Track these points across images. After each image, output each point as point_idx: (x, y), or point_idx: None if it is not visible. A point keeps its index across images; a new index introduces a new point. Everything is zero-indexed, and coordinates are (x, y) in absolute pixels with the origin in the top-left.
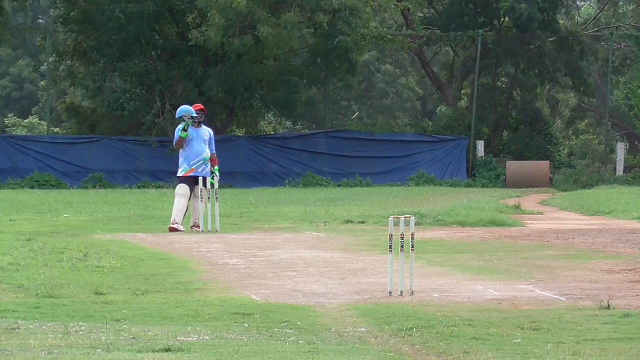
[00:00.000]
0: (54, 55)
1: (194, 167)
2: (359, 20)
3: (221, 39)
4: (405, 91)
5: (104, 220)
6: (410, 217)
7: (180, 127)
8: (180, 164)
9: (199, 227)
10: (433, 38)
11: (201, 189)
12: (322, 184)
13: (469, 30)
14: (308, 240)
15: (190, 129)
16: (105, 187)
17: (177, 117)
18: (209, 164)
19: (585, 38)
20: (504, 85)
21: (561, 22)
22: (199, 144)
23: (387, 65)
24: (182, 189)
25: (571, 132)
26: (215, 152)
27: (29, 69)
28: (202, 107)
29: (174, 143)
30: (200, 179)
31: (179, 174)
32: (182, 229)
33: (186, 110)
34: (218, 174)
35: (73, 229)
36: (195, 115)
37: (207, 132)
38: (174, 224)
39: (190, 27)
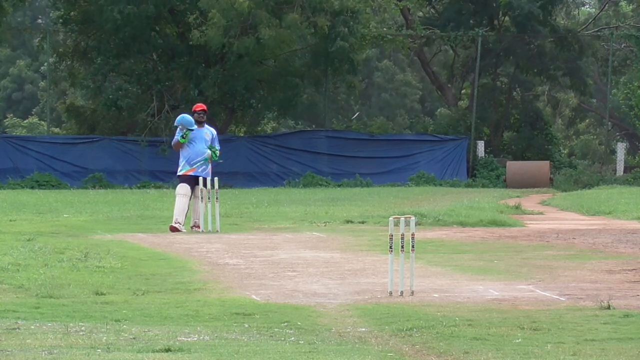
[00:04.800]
0: (54, 55)
1: (194, 166)
2: (358, 23)
3: (222, 39)
4: (403, 87)
5: (104, 220)
6: (410, 217)
7: (179, 133)
8: (180, 162)
9: (199, 227)
10: (433, 38)
11: (201, 189)
12: (322, 184)
13: (468, 29)
14: (308, 240)
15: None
16: (105, 187)
17: (175, 123)
18: (210, 164)
19: (584, 36)
20: (504, 85)
21: (561, 22)
22: (200, 144)
23: (386, 61)
24: (183, 189)
25: (571, 132)
26: (219, 147)
27: (28, 70)
28: (204, 107)
29: (173, 144)
30: (201, 179)
31: (178, 173)
32: (183, 230)
33: (185, 121)
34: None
35: (73, 229)
36: (193, 128)
37: (208, 132)
38: (175, 224)
39: (192, 27)
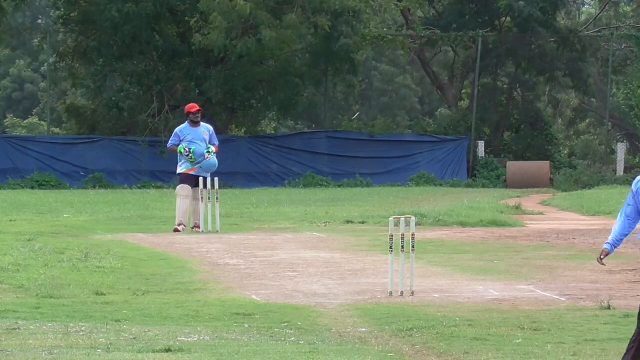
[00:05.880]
0: (54, 55)
1: (195, 166)
2: (360, 22)
3: (223, 41)
4: (402, 89)
5: (104, 220)
6: (410, 217)
7: (174, 138)
8: (180, 160)
9: (199, 227)
10: (433, 38)
11: (201, 190)
12: (322, 184)
13: (469, 30)
14: (308, 240)
15: (189, 129)
16: (105, 187)
17: (196, 160)
18: None
19: (585, 36)
20: (504, 85)
21: (561, 22)
22: (200, 144)
23: (384, 65)
24: (184, 190)
25: (572, 132)
26: (217, 143)
27: (27, 69)
28: (198, 107)
29: (168, 147)
30: (200, 179)
31: (179, 170)
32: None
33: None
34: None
35: (73, 229)
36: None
37: (205, 130)
38: (179, 226)
39: (193, 31)
